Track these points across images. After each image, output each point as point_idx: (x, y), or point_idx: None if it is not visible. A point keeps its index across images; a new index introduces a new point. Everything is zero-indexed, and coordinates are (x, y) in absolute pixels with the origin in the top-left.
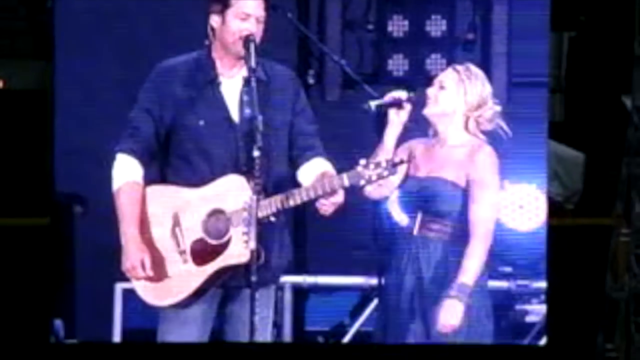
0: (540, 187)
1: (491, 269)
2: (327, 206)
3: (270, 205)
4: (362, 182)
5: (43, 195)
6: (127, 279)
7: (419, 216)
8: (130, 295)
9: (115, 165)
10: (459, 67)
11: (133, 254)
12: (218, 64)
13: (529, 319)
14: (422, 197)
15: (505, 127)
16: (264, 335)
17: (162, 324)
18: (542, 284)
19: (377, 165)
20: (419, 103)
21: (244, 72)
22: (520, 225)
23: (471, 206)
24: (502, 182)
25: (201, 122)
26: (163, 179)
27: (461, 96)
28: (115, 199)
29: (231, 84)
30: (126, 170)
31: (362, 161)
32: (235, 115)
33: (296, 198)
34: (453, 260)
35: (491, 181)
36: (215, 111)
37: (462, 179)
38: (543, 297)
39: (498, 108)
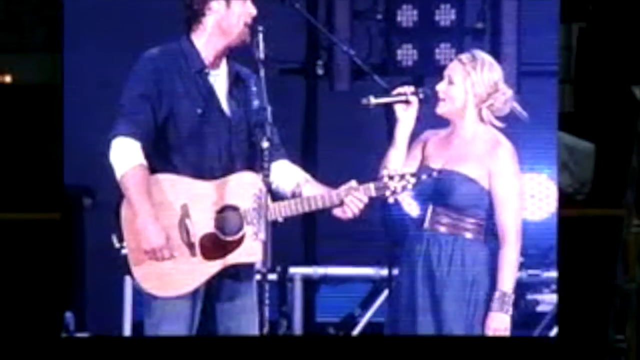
0: (551, 176)
1: None
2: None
3: (286, 209)
4: (388, 193)
5: (54, 189)
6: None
7: (430, 209)
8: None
9: (114, 150)
10: (464, 59)
11: (155, 234)
12: (202, 54)
13: (540, 308)
14: (435, 189)
15: (519, 108)
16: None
17: (149, 318)
18: (553, 274)
19: (402, 177)
20: (427, 98)
21: (225, 64)
22: (531, 214)
23: (499, 210)
24: None
25: (199, 111)
26: (160, 170)
27: (469, 89)
28: (123, 185)
29: (217, 75)
30: (129, 154)
31: (386, 171)
32: (225, 108)
33: (318, 203)
34: (467, 256)
35: (516, 181)
36: (208, 102)
37: (484, 177)
38: (554, 286)
39: (509, 92)
